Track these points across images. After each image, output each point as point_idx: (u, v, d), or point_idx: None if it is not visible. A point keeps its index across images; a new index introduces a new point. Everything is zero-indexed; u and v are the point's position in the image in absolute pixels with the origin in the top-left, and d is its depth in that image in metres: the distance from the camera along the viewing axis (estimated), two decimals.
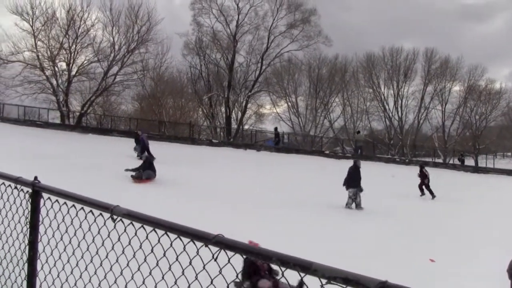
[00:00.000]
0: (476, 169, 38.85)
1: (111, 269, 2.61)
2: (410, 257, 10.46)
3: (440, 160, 46.53)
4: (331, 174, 23.01)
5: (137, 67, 43.50)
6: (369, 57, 54.29)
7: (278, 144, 38.96)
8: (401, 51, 54.28)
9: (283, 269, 1.67)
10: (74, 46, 41.13)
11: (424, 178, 21.43)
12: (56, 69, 40.88)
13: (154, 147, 23.50)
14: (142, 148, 23.42)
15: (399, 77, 54.14)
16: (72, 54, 41.18)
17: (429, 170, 22.49)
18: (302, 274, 1.62)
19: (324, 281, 1.56)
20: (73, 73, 41.51)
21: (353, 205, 16.92)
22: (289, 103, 53.81)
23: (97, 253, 2.69)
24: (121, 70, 42.45)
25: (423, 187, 21.36)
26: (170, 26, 51.17)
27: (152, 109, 47.96)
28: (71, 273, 2.96)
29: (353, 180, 17.08)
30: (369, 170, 20.05)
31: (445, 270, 9.57)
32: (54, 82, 40.67)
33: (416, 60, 54.36)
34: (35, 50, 39.48)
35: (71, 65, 41.22)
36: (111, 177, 16.30)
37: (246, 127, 49.71)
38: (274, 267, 5.69)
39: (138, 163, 19.13)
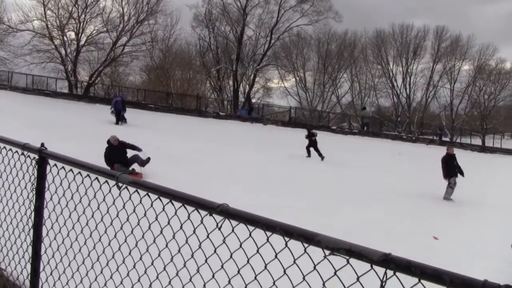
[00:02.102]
0: (483, 149, 38.71)
1: (115, 236, 2.62)
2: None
3: (447, 139, 46.35)
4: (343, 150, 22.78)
5: (146, 38, 43.30)
6: (379, 33, 53.73)
7: (250, 113, 39.33)
8: (412, 28, 53.67)
9: (286, 239, 1.67)
10: (83, 15, 40.95)
11: (313, 141, 22.02)
12: (65, 38, 40.78)
13: (162, 118, 23.51)
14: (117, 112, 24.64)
15: (408, 54, 53.61)
16: (81, 24, 41.02)
17: (435, 148, 22.44)
18: (306, 245, 1.62)
19: (327, 252, 1.55)
20: (82, 43, 41.38)
21: (445, 194, 15.79)
22: (297, 78, 53.61)
23: (102, 220, 2.70)
24: (129, 41, 42.28)
25: (311, 148, 21.90)
26: None
27: (160, 81, 47.85)
28: (76, 239, 2.99)
29: (451, 169, 16.08)
30: (376, 146, 19.94)
31: None
32: (63, 52, 40.61)
33: (426, 38, 53.73)
34: (44, 19, 39.31)
35: (80, 35, 41.08)
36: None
37: (253, 100, 49.61)
38: None
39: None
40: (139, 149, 13.23)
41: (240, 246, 1.84)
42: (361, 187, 15.62)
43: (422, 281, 1.38)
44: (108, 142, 13.28)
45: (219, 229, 1.89)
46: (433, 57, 53.54)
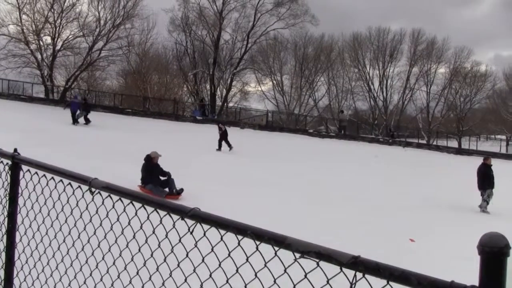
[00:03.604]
0: (459, 151, 39.30)
1: (88, 241, 2.61)
2: None
3: (424, 141, 46.96)
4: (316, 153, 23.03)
5: (122, 43, 43.22)
6: (356, 37, 54.36)
7: (204, 115, 39.45)
8: (388, 32, 54.48)
9: (257, 242, 1.68)
10: (59, 20, 40.68)
11: (223, 133, 22.99)
12: (41, 43, 40.45)
13: (137, 122, 23.50)
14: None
15: (385, 57, 54.34)
16: (57, 28, 40.74)
17: (412, 150, 22.73)
18: (276, 248, 1.64)
19: (297, 255, 1.57)
20: (58, 47, 41.10)
21: (481, 206, 15.25)
22: (274, 81, 53.89)
23: (75, 225, 2.69)
24: (106, 45, 42.08)
25: (222, 142, 22.80)
26: (156, 2, 50.62)
27: (137, 85, 47.59)
28: (49, 245, 2.97)
29: (487, 180, 15.45)
30: (352, 149, 20.12)
31: None
32: (39, 56, 40.22)
33: (403, 41, 54.67)
34: (19, 24, 38.94)
35: (56, 39, 40.79)
36: (95, 152, 16.21)
37: (230, 104, 49.67)
38: None
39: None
40: (169, 175, 12.44)
41: (212, 250, 1.85)
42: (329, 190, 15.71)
43: (390, 282, 1.40)
44: (148, 157, 12.53)
45: (191, 233, 1.90)
46: (409, 60, 54.41)
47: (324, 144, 31.57)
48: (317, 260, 1.54)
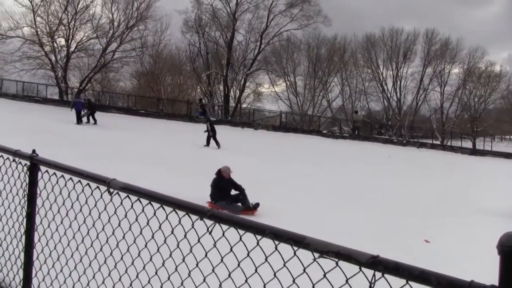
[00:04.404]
0: (474, 152, 38.98)
1: (107, 242, 2.63)
2: None
3: (438, 142, 46.62)
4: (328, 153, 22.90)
5: (136, 44, 43.38)
6: (369, 37, 54.03)
7: (204, 115, 38.78)
8: (401, 32, 54.00)
9: (276, 242, 1.69)
10: (73, 22, 40.94)
11: (211, 131, 22.98)
12: (55, 45, 40.74)
13: (153, 124, 23.61)
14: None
15: (398, 58, 53.88)
16: (71, 30, 41.01)
17: (426, 151, 22.55)
18: (295, 248, 1.65)
19: (316, 255, 1.58)
20: (72, 49, 41.36)
21: None
22: (288, 82, 53.74)
23: (93, 225, 2.72)
24: (119, 47, 42.30)
25: (211, 139, 22.80)
26: (169, 4, 51.02)
27: (150, 87, 47.80)
28: (68, 245, 3.00)
29: None
30: (366, 150, 19.99)
31: None
32: (53, 58, 40.53)
33: (416, 42, 54.09)
34: (34, 26, 39.26)
35: (70, 41, 41.05)
36: (109, 152, 16.29)
37: (244, 105, 49.67)
38: None
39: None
40: (242, 189, 11.50)
41: (231, 250, 1.87)
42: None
43: (410, 282, 1.41)
44: (219, 173, 11.63)
45: (210, 233, 1.91)
46: (423, 60, 53.90)
47: (338, 144, 31.50)
48: (336, 260, 1.54)
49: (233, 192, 11.54)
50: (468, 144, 46.61)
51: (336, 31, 54.87)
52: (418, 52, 54.18)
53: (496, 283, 1.23)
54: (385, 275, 1.44)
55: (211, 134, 23.04)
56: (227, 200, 11.25)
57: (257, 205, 11.19)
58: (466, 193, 17.26)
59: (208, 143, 22.99)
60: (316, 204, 12.53)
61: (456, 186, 19.22)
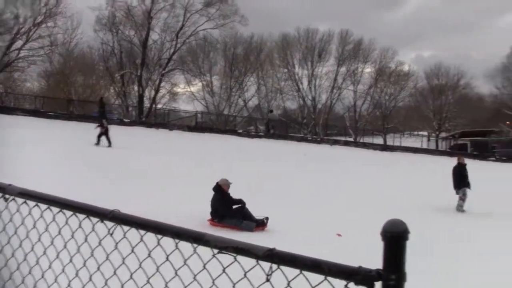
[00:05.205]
0: (385, 147, 40.88)
1: (1, 252, 2.51)
2: None
3: (351, 139, 48.42)
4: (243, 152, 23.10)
5: (45, 42, 41.53)
6: (285, 37, 55.19)
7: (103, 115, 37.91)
8: (317, 32, 55.60)
9: (176, 241, 1.70)
10: None
11: (103, 129, 22.78)
12: None
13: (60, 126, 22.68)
14: None
15: (313, 57, 55.40)
16: None
17: (340, 148, 23.32)
18: (195, 245, 1.66)
19: (216, 251, 1.60)
20: None
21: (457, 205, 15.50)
22: (204, 82, 53.67)
23: None
24: (26, 44, 40.29)
25: (101, 137, 22.56)
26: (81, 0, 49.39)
27: (60, 87, 45.91)
28: None
29: (462, 179, 15.63)
30: (280, 148, 20.40)
31: None
32: None
33: (331, 42, 56.00)
34: None
35: None
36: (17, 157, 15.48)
37: (159, 106, 49.04)
38: None
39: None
40: (244, 202, 10.87)
41: (132, 251, 1.85)
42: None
43: (304, 272, 1.46)
44: (219, 187, 10.92)
45: (111, 235, 1.88)
46: (337, 60, 55.80)
47: (254, 143, 31.90)
48: (235, 255, 1.57)
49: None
50: (379, 140, 48.84)
51: (253, 30, 55.47)
52: (333, 52, 56.18)
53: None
54: (281, 267, 1.49)
55: (102, 131, 22.40)
56: (237, 217, 10.53)
57: (267, 219, 10.66)
58: (374, 188, 18.05)
59: (98, 142, 22.31)
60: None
61: (366, 181, 20.08)
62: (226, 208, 10.65)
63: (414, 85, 57.86)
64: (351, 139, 47.58)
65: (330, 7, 76.85)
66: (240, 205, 10.80)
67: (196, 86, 53.73)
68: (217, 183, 11.02)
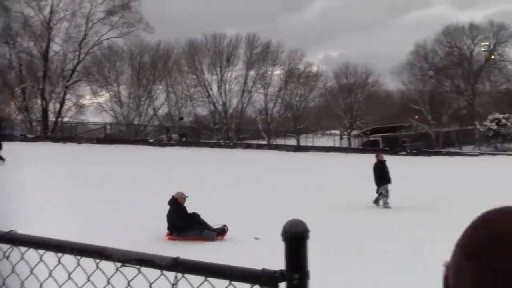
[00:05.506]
0: (298, 148, 41.75)
1: None
2: None
3: (264, 142, 49.02)
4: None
5: None
6: (192, 43, 54.83)
7: None
8: (224, 37, 55.72)
9: (78, 257, 1.65)
10: None
11: None
12: None
13: None
14: None
15: (222, 62, 55.48)
16: None
17: (253, 151, 23.48)
18: (98, 260, 1.62)
19: (119, 264, 1.57)
20: None
21: (381, 202, 15.77)
22: (111, 93, 52.09)
23: None
24: None
25: None
26: None
27: None
28: None
29: (382, 176, 15.86)
30: (195, 154, 20.35)
31: None
32: None
33: (239, 46, 56.18)
34: None
35: None
36: None
37: (66, 119, 47.11)
38: None
39: None
40: (198, 214, 10.82)
41: (31, 272, 1.77)
42: None
43: (209, 278, 1.47)
44: (175, 200, 10.75)
45: (7, 258, 1.79)
46: (246, 64, 56.20)
47: (166, 152, 31.51)
48: (139, 267, 1.55)
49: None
50: (292, 141, 49.80)
51: (160, 38, 54.71)
52: (241, 56, 56.37)
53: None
54: (187, 275, 1.49)
55: None
56: (197, 228, 10.50)
57: (226, 227, 10.68)
58: (288, 190, 18.42)
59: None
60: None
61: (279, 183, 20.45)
62: (183, 220, 10.56)
63: (324, 85, 59.41)
64: (265, 142, 48.20)
65: (237, 11, 77.86)
66: (195, 217, 10.78)
67: (104, 97, 52.16)
68: (173, 196, 10.94)
